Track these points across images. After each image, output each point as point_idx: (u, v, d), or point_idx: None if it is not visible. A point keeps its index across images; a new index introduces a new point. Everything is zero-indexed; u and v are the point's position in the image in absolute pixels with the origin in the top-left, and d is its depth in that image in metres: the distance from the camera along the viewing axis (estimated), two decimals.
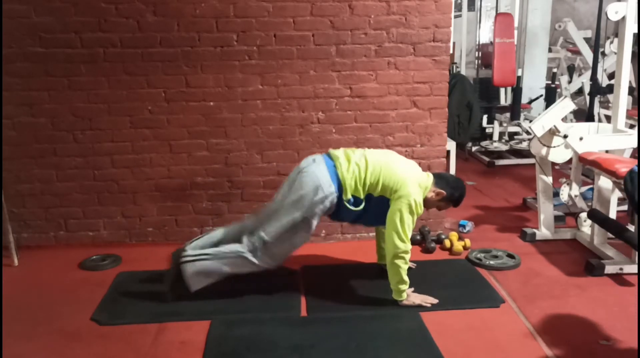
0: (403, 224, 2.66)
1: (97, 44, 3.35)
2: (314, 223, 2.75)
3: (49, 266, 3.33)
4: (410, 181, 2.71)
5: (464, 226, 3.87)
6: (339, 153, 2.81)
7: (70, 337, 2.54)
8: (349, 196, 2.71)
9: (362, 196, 2.74)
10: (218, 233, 2.97)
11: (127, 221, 3.64)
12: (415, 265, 3.22)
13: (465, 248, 3.49)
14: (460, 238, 3.60)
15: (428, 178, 2.84)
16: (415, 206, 2.67)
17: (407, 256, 2.70)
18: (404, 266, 2.70)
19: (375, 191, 2.74)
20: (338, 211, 2.79)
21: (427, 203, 2.85)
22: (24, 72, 3.35)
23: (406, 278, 2.73)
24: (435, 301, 2.79)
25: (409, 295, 2.78)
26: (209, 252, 2.80)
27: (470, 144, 6.32)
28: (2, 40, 3.29)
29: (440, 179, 2.87)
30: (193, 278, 2.77)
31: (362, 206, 2.75)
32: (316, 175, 2.70)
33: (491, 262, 3.30)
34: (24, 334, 2.56)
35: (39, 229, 3.60)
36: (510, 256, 3.38)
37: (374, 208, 2.78)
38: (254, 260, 2.76)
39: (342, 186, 2.71)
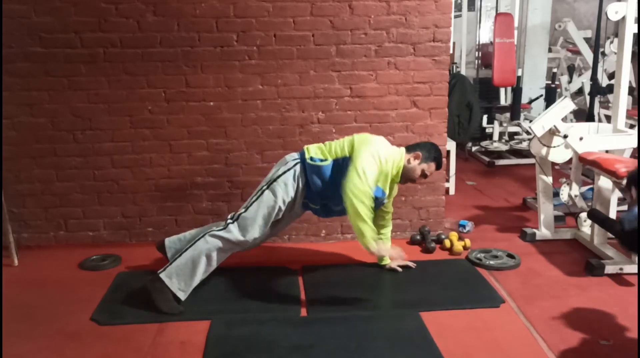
0: (363, 164, 2.69)
1: (97, 44, 3.35)
2: (280, 192, 2.79)
3: (49, 266, 3.33)
4: (373, 138, 2.83)
5: (464, 226, 3.87)
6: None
7: (70, 337, 2.54)
8: (311, 154, 2.83)
9: (327, 157, 2.82)
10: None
11: (127, 221, 3.64)
12: (415, 264, 3.22)
13: (465, 248, 3.49)
14: (460, 238, 3.59)
15: (400, 150, 2.93)
16: (378, 156, 2.74)
17: (368, 202, 2.66)
18: (363, 210, 2.64)
19: (342, 153, 2.81)
20: (307, 181, 2.83)
21: (410, 172, 2.90)
22: (24, 72, 3.35)
23: (370, 223, 2.68)
24: (412, 265, 2.99)
25: (379, 246, 2.77)
26: (179, 250, 2.80)
27: (470, 144, 6.32)
28: (2, 40, 3.29)
29: (411, 147, 2.98)
30: (175, 282, 2.71)
31: (327, 162, 2.81)
32: (284, 157, 2.95)
33: (491, 262, 3.30)
34: (24, 334, 2.56)
35: (39, 229, 3.60)
36: (510, 256, 3.38)
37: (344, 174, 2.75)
38: (225, 234, 2.77)
39: (304, 152, 2.87)
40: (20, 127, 3.43)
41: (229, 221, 2.83)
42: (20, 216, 3.55)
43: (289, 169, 2.84)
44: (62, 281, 3.12)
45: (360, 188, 2.65)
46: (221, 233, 2.78)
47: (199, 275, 2.76)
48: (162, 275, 2.72)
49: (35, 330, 2.60)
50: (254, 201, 2.82)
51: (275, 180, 2.82)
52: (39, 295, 2.95)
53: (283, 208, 2.82)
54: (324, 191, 2.86)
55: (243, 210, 2.83)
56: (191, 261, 2.74)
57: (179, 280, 2.73)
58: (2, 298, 2.82)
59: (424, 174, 2.96)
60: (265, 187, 2.83)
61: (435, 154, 2.94)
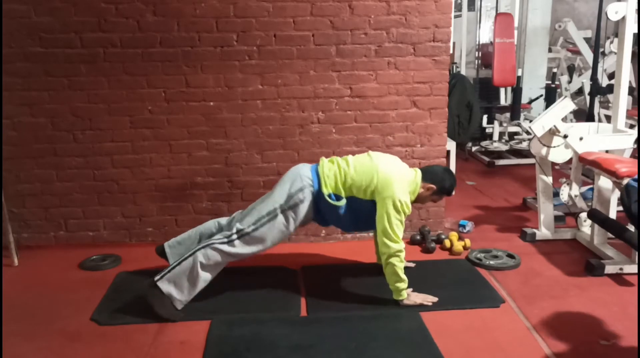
0: (391, 225, 2.67)
1: (97, 44, 3.35)
2: (292, 220, 2.73)
3: (49, 266, 3.33)
4: (394, 180, 2.70)
5: (464, 226, 3.87)
6: (324, 159, 2.86)
7: (70, 337, 2.54)
8: (329, 191, 2.73)
9: (343, 195, 2.75)
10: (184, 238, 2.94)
11: (127, 221, 3.64)
12: (414, 264, 3.22)
13: (465, 248, 3.49)
14: (460, 238, 3.60)
15: (416, 175, 2.83)
16: (401, 206, 2.68)
17: (402, 255, 2.70)
18: (399, 264, 2.70)
19: (359, 193, 2.74)
20: (320, 209, 2.78)
21: (420, 198, 2.88)
22: (24, 72, 3.35)
23: (404, 276, 2.73)
24: (435, 299, 2.79)
25: (409, 295, 2.78)
26: (178, 259, 2.69)
27: (470, 144, 6.33)
28: (2, 40, 3.29)
29: (428, 173, 2.87)
30: (173, 291, 2.65)
31: (343, 201, 2.76)
32: (297, 170, 2.82)
33: (491, 262, 3.30)
34: (24, 334, 2.56)
35: (39, 229, 3.61)
36: (510, 256, 3.38)
37: (361, 209, 2.78)
38: (227, 248, 2.67)
39: (320, 181, 2.74)
40: (20, 127, 3.44)
41: (234, 235, 2.69)
42: (20, 216, 3.55)
43: (302, 189, 2.72)
44: (62, 281, 3.12)
45: (395, 249, 2.68)
46: (223, 247, 2.68)
47: (198, 287, 2.69)
48: (160, 283, 2.64)
49: (35, 330, 2.60)
50: (265, 222, 2.70)
51: (290, 207, 2.72)
52: (39, 295, 2.95)
53: (293, 232, 2.82)
54: (335, 221, 2.88)
55: (252, 227, 2.69)
56: (189, 272, 2.65)
57: (178, 290, 2.66)
58: (2, 298, 2.82)
59: (433, 201, 3.02)
60: (278, 210, 2.70)
61: (448, 188, 2.90)
